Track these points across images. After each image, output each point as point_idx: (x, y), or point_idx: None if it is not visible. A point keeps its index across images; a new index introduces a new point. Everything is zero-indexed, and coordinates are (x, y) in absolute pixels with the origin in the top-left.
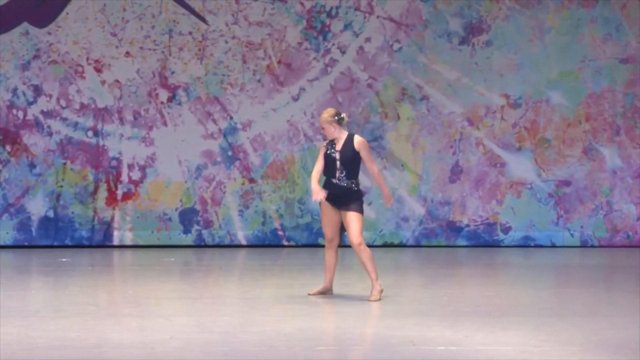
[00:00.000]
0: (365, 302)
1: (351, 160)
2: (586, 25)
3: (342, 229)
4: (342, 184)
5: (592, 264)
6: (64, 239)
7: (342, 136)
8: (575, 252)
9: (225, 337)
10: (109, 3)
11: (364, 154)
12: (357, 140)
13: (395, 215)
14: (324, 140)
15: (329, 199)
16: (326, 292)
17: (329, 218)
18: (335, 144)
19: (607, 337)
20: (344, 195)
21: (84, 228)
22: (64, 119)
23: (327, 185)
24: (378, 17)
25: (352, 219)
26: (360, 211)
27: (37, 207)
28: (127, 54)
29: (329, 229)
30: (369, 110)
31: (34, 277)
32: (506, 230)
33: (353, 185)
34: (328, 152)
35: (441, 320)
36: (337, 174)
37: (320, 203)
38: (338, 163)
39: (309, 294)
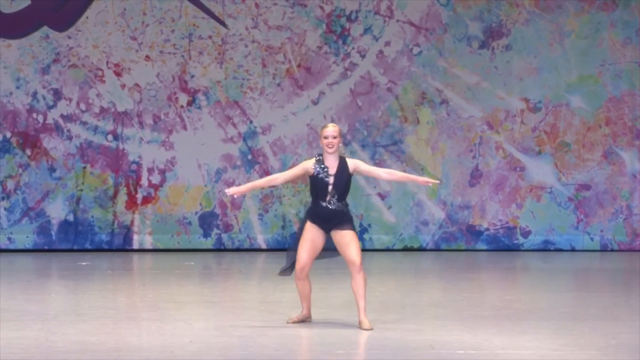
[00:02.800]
0: (384, 306)
1: (346, 184)
2: (606, 29)
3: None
4: (333, 207)
5: (612, 268)
6: (84, 242)
7: (336, 157)
8: (595, 256)
9: (244, 341)
10: (129, 7)
11: (364, 169)
12: (351, 162)
13: (415, 219)
14: (317, 155)
15: (315, 221)
16: (306, 320)
17: (311, 238)
18: (326, 167)
19: (626, 341)
20: (334, 217)
21: (103, 232)
22: (84, 123)
23: (314, 208)
24: (398, 21)
25: (350, 237)
26: (355, 230)
27: (57, 210)
28: (147, 57)
29: (307, 253)
30: (388, 114)
31: (54, 280)
32: (526, 234)
33: (345, 208)
34: (319, 175)
35: (460, 324)
36: (328, 198)
37: (305, 224)
38: (330, 187)
39: (288, 322)
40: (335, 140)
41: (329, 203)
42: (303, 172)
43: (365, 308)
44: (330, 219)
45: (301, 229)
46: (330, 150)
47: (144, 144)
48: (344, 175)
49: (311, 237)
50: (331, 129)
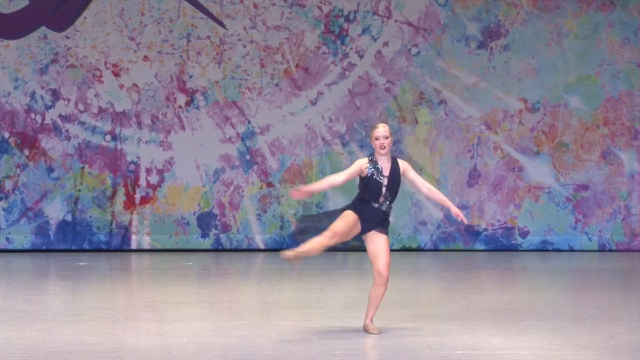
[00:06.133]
0: (381, 306)
1: (398, 186)
2: (604, 30)
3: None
4: (383, 208)
5: (610, 268)
6: (82, 243)
7: (389, 158)
8: (593, 256)
9: (242, 341)
10: (127, 7)
11: (411, 177)
12: (402, 164)
13: (413, 219)
14: (369, 155)
15: (359, 217)
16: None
17: (352, 223)
18: (380, 167)
19: (624, 341)
20: (381, 220)
21: (102, 232)
22: (82, 123)
23: (364, 207)
24: (396, 21)
25: (385, 245)
26: (388, 234)
27: (55, 211)
28: (145, 58)
29: (344, 227)
30: (386, 115)
31: (52, 281)
32: (524, 234)
33: (390, 210)
34: (372, 176)
35: (459, 325)
36: (382, 200)
37: (346, 212)
38: (384, 189)
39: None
40: (387, 141)
41: (381, 205)
42: (359, 172)
43: (372, 317)
44: (377, 220)
45: (341, 210)
46: (383, 152)
47: (142, 144)
48: (397, 177)
49: (352, 222)
50: (382, 130)
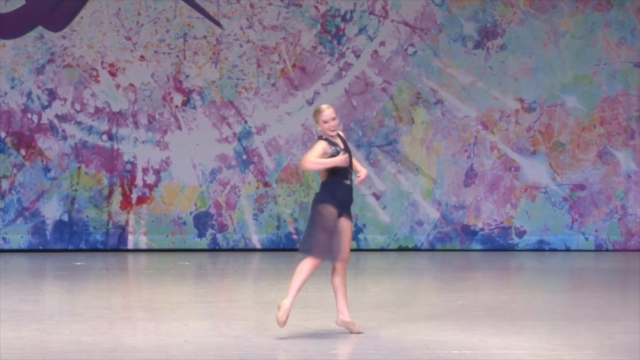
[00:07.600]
0: (378, 306)
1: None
2: (601, 29)
3: None
4: (350, 183)
5: (607, 267)
6: (79, 242)
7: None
8: (589, 256)
9: (239, 341)
10: (124, 7)
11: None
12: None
13: (410, 219)
14: (320, 137)
15: (339, 206)
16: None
17: (348, 235)
18: (337, 144)
19: (621, 341)
20: (349, 200)
21: (98, 232)
22: (79, 123)
23: (337, 189)
24: (392, 21)
25: (350, 231)
26: None
27: (52, 211)
28: (142, 57)
29: (347, 244)
30: (383, 114)
31: (49, 281)
32: (521, 234)
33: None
34: (337, 154)
35: (455, 324)
36: (349, 175)
37: (328, 213)
38: (348, 164)
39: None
40: (335, 122)
41: (352, 181)
42: (323, 153)
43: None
44: (347, 202)
45: (323, 215)
46: (333, 134)
47: (139, 144)
48: (349, 150)
49: (348, 235)
50: (329, 112)
